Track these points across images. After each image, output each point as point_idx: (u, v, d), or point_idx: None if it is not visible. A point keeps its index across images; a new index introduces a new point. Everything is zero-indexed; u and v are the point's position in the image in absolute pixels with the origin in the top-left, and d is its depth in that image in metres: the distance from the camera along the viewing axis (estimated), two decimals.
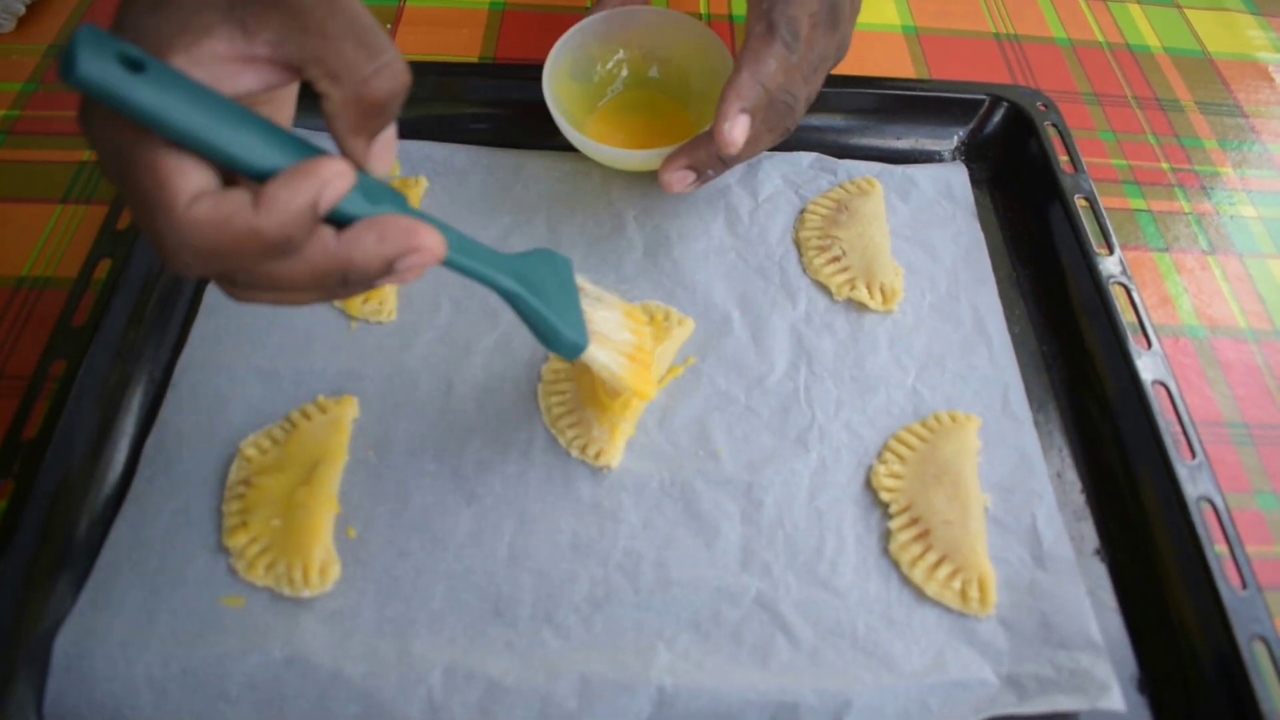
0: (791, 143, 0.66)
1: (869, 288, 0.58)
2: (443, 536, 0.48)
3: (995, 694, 0.44)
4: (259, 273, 0.33)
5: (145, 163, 0.31)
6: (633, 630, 0.45)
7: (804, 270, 0.59)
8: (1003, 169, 0.66)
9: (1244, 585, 0.45)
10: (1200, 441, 0.50)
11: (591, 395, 0.52)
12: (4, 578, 0.44)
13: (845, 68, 0.74)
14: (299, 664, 0.43)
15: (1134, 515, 0.50)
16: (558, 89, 0.60)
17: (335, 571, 0.46)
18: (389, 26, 0.75)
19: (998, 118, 0.67)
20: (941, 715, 0.43)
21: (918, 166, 0.65)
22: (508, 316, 0.56)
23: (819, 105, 0.66)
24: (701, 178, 0.55)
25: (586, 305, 0.47)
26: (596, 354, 0.46)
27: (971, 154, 0.67)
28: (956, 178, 0.65)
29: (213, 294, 0.56)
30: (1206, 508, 0.48)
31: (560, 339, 0.44)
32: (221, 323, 0.55)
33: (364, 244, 0.34)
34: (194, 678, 0.43)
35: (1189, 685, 0.45)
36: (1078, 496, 0.52)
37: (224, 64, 0.33)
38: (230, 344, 0.54)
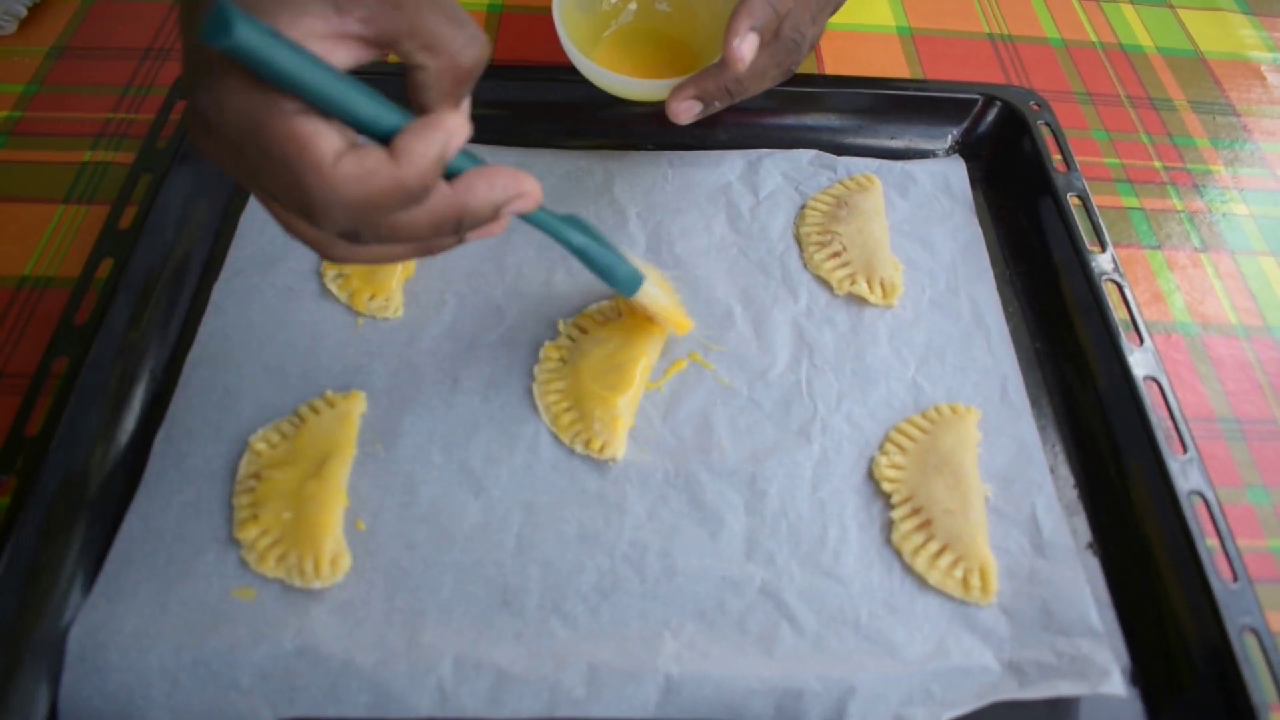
0: (789, 140, 0.67)
1: (869, 282, 0.58)
2: (450, 528, 0.48)
3: (997, 680, 0.45)
4: (386, 224, 0.36)
5: (284, 128, 0.32)
6: (639, 619, 0.46)
7: (805, 265, 0.60)
8: (996, 168, 0.67)
9: (1235, 578, 0.46)
10: (1192, 436, 0.51)
11: (589, 389, 0.52)
12: (7, 571, 0.44)
13: (839, 68, 0.75)
14: (310, 654, 0.44)
15: (1126, 510, 0.51)
16: (565, 17, 0.59)
17: (345, 563, 0.46)
18: None
19: (991, 117, 0.67)
20: (944, 701, 0.44)
21: (916, 162, 0.66)
22: (512, 311, 0.57)
23: (814, 105, 0.68)
24: (708, 108, 0.56)
25: None
26: (649, 288, 0.52)
27: (965, 153, 0.68)
28: (955, 173, 0.66)
29: (221, 291, 0.57)
30: (1198, 502, 0.48)
31: (620, 274, 0.50)
32: (230, 320, 0.55)
33: (478, 190, 0.37)
34: (206, 668, 0.43)
35: (1181, 677, 0.46)
36: (1070, 491, 0.53)
37: (319, 40, 0.34)
38: (239, 341, 0.54)
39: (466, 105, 0.39)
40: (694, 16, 0.65)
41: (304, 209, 0.34)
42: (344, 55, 0.35)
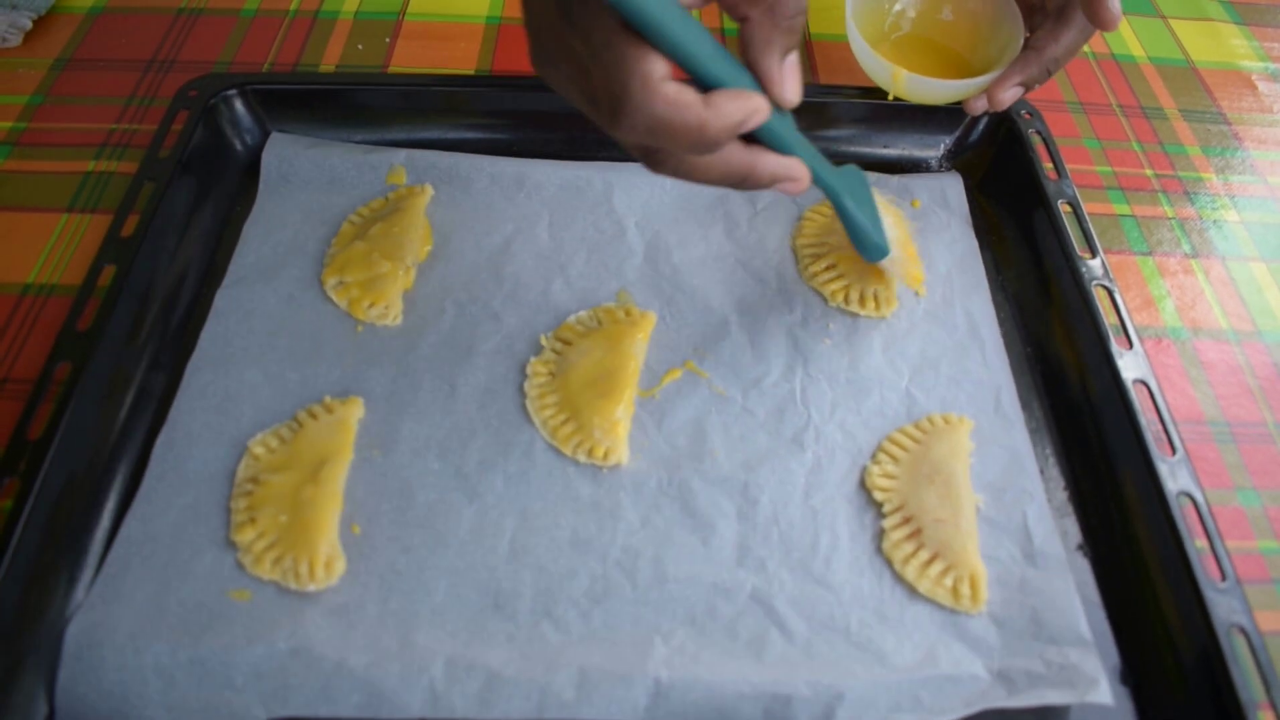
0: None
1: (864, 294, 0.59)
2: (445, 533, 0.49)
3: (986, 688, 0.45)
4: (686, 163, 0.43)
5: (630, 42, 0.39)
6: (630, 624, 0.46)
7: (800, 276, 0.61)
8: (988, 176, 0.68)
9: (1224, 578, 0.46)
10: (1180, 438, 0.51)
11: (583, 399, 0.53)
12: (9, 572, 0.44)
13: (833, 78, 0.76)
14: (303, 655, 0.44)
15: (1116, 511, 0.51)
16: (859, 28, 0.64)
17: (340, 566, 0.47)
18: (387, 40, 0.76)
19: (983, 125, 0.68)
20: (932, 708, 0.44)
21: (914, 176, 0.67)
22: (510, 320, 0.57)
23: (809, 115, 0.67)
24: (1027, 92, 0.63)
25: None
26: (885, 263, 0.57)
27: (958, 161, 0.69)
28: (952, 186, 0.66)
29: (222, 298, 0.57)
30: (1187, 503, 0.49)
31: (869, 244, 0.56)
32: (231, 326, 0.56)
33: (765, 163, 0.45)
34: (201, 667, 0.43)
35: (1171, 676, 0.46)
36: (1060, 493, 0.53)
37: None
38: (239, 347, 0.55)
39: (793, 63, 0.44)
40: (975, 29, 0.68)
41: (616, 110, 0.40)
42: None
